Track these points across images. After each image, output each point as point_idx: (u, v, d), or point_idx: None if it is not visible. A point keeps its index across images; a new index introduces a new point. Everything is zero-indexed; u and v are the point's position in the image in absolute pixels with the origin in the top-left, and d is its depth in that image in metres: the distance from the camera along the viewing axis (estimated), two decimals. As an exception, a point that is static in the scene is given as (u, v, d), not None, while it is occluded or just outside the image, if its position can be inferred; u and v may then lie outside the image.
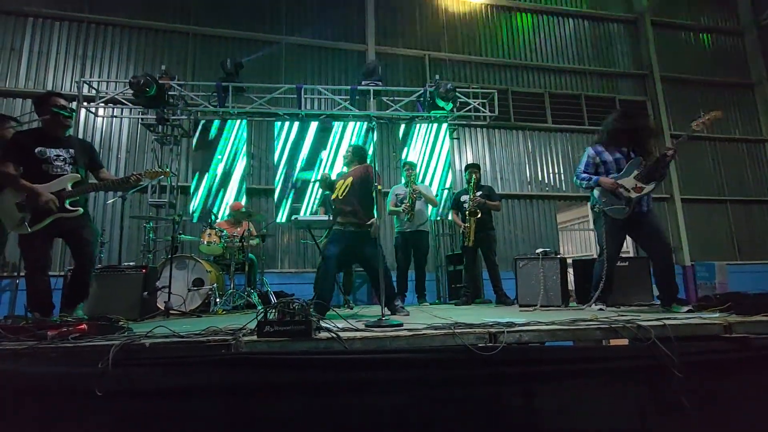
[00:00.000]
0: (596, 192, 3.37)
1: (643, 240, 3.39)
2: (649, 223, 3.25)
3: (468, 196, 4.83)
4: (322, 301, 3.17)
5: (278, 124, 6.90)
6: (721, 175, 9.33)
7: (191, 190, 6.67)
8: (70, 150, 2.99)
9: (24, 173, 2.83)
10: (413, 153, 7.11)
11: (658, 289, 3.22)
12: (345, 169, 3.85)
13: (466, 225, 4.77)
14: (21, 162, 2.84)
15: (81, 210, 2.94)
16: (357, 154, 3.75)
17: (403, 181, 5.22)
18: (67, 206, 2.89)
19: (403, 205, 5.02)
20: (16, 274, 5.69)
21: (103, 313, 2.96)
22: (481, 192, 4.87)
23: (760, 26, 10.05)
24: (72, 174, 2.94)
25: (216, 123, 6.79)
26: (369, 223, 3.43)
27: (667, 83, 9.36)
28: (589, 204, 3.61)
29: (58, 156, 2.92)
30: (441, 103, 6.27)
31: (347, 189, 3.53)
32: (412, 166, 5.20)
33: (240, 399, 1.72)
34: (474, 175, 4.88)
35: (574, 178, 3.55)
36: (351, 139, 7.06)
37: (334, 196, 3.61)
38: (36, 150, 2.84)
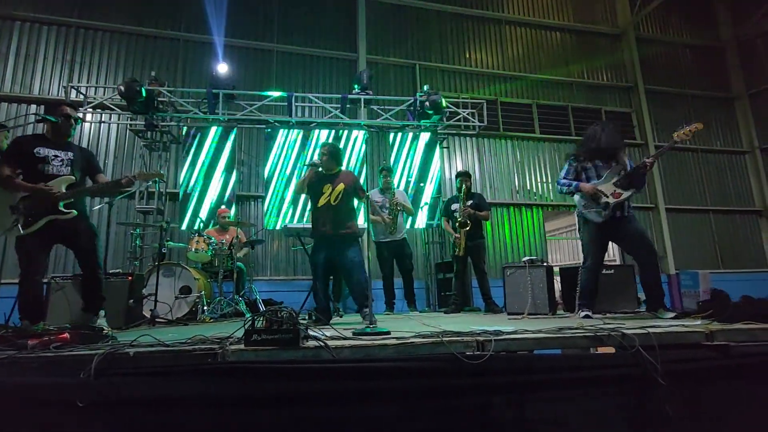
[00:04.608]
0: (577, 197, 3.47)
1: (627, 244, 3.46)
2: (631, 228, 3.33)
3: (458, 204, 4.84)
4: (322, 309, 3.22)
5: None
6: (704, 186, 9.56)
7: (180, 197, 6.60)
8: (69, 153, 3.00)
9: (23, 175, 2.85)
10: (402, 161, 7.13)
11: (645, 294, 3.27)
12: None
13: (457, 236, 4.76)
14: (19, 164, 2.86)
15: (75, 212, 2.89)
16: (336, 157, 3.52)
17: (380, 186, 5.18)
18: (61, 208, 2.85)
19: (389, 219, 4.89)
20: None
21: (87, 321, 2.91)
22: (471, 201, 4.85)
23: (740, 43, 10.39)
24: (67, 176, 2.92)
25: (206, 129, 6.74)
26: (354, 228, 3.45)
27: (652, 96, 9.61)
28: (575, 212, 3.69)
29: (56, 157, 2.93)
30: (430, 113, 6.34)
31: (340, 196, 3.39)
32: (389, 171, 5.16)
33: (226, 409, 1.70)
34: (465, 183, 4.86)
35: (556, 185, 3.64)
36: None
37: (323, 202, 3.41)
38: (35, 150, 2.87)
